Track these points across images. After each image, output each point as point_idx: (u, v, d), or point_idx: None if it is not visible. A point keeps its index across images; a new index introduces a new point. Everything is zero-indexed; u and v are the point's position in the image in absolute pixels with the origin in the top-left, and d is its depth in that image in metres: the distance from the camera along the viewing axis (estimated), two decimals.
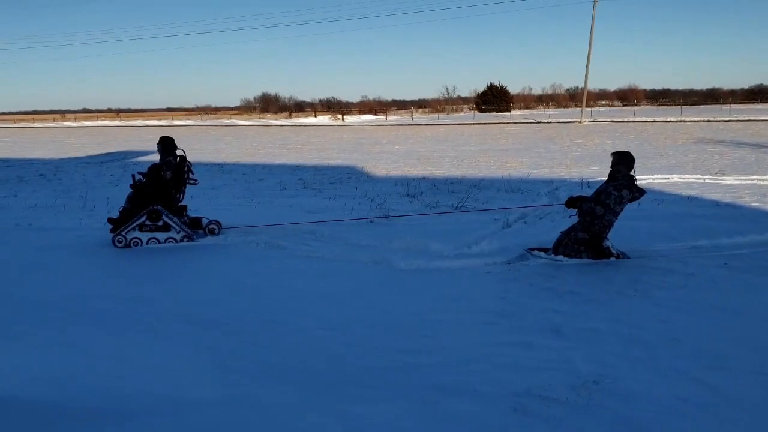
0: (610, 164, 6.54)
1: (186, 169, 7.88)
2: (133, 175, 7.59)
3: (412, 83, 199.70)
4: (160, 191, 7.50)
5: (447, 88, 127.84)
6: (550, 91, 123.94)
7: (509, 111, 76.51)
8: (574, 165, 15.07)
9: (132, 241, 7.23)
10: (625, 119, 44.63)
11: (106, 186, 13.54)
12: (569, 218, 6.64)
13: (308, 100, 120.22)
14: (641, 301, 4.98)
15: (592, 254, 6.29)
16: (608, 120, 44.30)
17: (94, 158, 21.56)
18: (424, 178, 13.46)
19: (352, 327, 4.53)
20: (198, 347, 4.16)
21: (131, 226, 7.23)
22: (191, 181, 8.00)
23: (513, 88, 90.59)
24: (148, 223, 7.26)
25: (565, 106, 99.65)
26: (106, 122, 74.26)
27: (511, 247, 6.79)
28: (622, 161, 6.40)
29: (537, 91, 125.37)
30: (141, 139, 35.04)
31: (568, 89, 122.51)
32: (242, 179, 14.41)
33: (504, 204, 9.55)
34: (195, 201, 10.76)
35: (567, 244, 6.39)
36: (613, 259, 6.27)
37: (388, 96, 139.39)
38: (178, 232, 7.37)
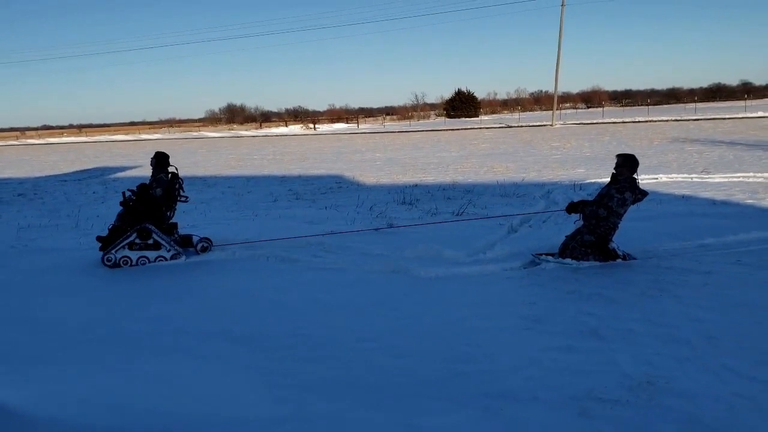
0: (613, 166, 6.63)
1: (177, 186, 7.75)
2: (123, 193, 7.43)
3: (379, 91, 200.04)
4: (150, 209, 7.34)
5: (416, 95, 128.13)
6: (515, 96, 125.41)
7: (478, 116, 77.12)
8: (560, 168, 15.27)
9: (121, 260, 7.05)
10: (595, 121, 45.37)
11: (92, 203, 13.29)
12: (574, 223, 6.72)
13: (275, 109, 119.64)
14: (668, 300, 5.07)
15: (599, 256, 6.39)
16: (578, 122, 44.95)
17: (69, 176, 21.14)
18: (416, 185, 13.50)
19: (391, 338, 4.53)
20: (242, 365, 4.12)
21: (121, 245, 7.04)
22: (182, 199, 7.87)
23: (478, 94, 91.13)
24: (137, 241, 7.08)
25: (531, 110, 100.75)
26: (71, 138, 72.85)
27: (523, 251, 6.86)
28: (626, 164, 6.50)
29: (502, 95, 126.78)
30: (112, 154, 34.52)
31: (532, 93, 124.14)
32: (230, 192, 14.29)
33: (505, 209, 9.64)
34: (188, 216, 10.67)
35: (574, 248, 6.48)
36: (619, 260, 6.37)
37: (356, 104, 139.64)
38: (168, 251, 7.21)
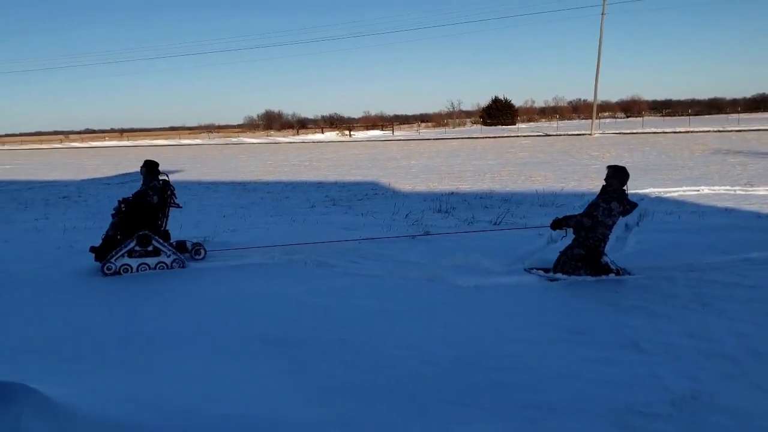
0: (604, 177, 6.57)
1: (169, 193, 7.79)
2: (119, 201, 7.54)
3: (414, 98, 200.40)
4: (146, 216, 7.42)
5: (452, 102, 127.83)
6: (552, 104, 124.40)
7: (515, 124, 76.68)
8: (599, 178, 15.03)
9: (122, 268, 7.07)
10: (635, 131, 44.72)
11: None
12: (561, 239, 6.64)
13: (311, 116, 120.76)
14: (711, 314, 4.98)
15: (591, 270, 6.27)
16: (617, 132, 44.39)
17: (113, 179, 21.67)
18: (452, 193, 13.49)
19: (428, 345, 4.54)
20: (280, 368, 4.17)
21: (120, 253, 7.06)
22: (174, 205, 7.92)
23: (516, 101, 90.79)
24: (137, 248, 7.11)
25: (568, 119, 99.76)
26: (113, 142, 74.59)
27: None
28: (617, 175, 6.47)
29: (539, 103, 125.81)
30: (154, 158, 35.16)
31: (570, 101, 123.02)
32: (268, 197, 14.47)
33: (544, 219, 9.55)
34: (228, 221, 10.86)
35: (565, 262, 6.41)
36: (612, 275, 6.26)
37: (390, 111, 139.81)
38: (169, 256, 7.23)
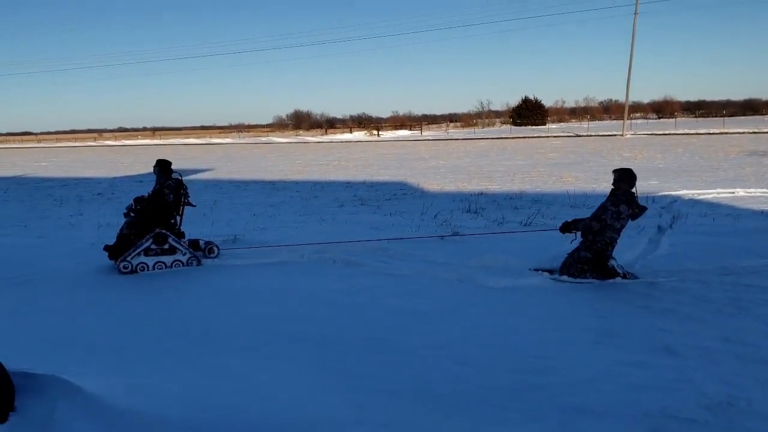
0: (611, 181, 6.53)
1: (183, 192, 7.85)
2: (134, 199, 7.62)
3: (443, 97, 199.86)
4: (162, 215, 7.47)
5: (481, 102, 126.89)
6: (583, 104, 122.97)
7: (545, 124, 75.95)
8: None
9: (138, 267, 7.14)
10: (667, 132, 44.01)
11: None
12: (570, 243, 6.59)
13: (339, 116, 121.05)
14: (747, 319, 4.90)
15: (597, 274, 6.23)
16: (649, 133, 43.71)
17: (145, 177, 21.97)
18: (481, 193, 13.43)
19: (459, 346, 4.53)
20: (316, 366, 4.20)
21: (136, 251, 7.13)
22: (188, 204, 7.98)
23: (546, 101, 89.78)
24: (153, 247, 7.17)
25: (599, 119, 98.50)
26: (145, 141, 75.70)
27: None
28: (624, 178, 6.41)
29: (570, 104, 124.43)
30: (185, 157, 35.68)
31: (601, 102, 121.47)
32: (297, 196, 14.56)
33: None
34: (258, 219, 10.95)
35: (571, 264, 6.38)
36: (619, 279, 6.19)
37: (419, 110, 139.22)
38: (185, 254, 7.30)
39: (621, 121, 46.93)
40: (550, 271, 6.55)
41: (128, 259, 7.13)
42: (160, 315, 5.46)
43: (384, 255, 7.65)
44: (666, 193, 12.17)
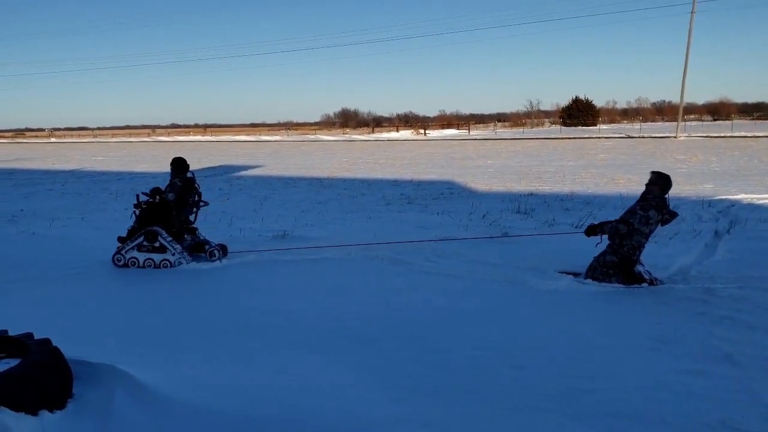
0: (646, 182, 6.34)
1: (194, 191, 7.82)
2: (137, 195, 7.63)
3: (491, 96, 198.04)
4: (160, 212, 7.47)
5: (531, 102, 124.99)
6: (635, 105, 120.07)
7: (596, 125, 74.46)
8: (686, 182, 14.49)
9: (130, 261, 7.22)
10: (722, 134, 42.63)
11: (218, 200, 14.03)
12: (596, 246, 6.40)
13: (386, 115, 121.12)
14: None
15: (623, 279, 6.07)
16: (704, 135, 42.42)
17: (197, 172, 22.38)
18: (531, 194, 13.25)
19: (508, 349, 4.46)
20: (360, 363, 4.20)
21: (130, 246, 7.24)
22: (202, 203, 7.98)
23: (597, 102, 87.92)
24: (145, 243, 7.22)
25: (652, 121, 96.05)
26: (197, 137, 77.23)
27: (650, 269, 6.54)
28: (659, 182, 6.22)
29: (622, 104, 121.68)
30: (235, 153, 36.27)
31: (654, 103, 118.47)
32: (345, 194, 14.63)
33: None
34: (306, 215, 11.04)
35: (596, 268, 6.24)
36: (645, 285, 6.02)
37: (466, 110, 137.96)
38: (173, 254, 7.26)
39: (674, 123, 45.64)
40: (575, 274, 6.44)
41: (122, 252, 7.28)
42: (209, 310, 5.54)
43: (431, 254, 7.61)
44: (723, 197, 11.79)
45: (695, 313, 5.16)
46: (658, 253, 7.35)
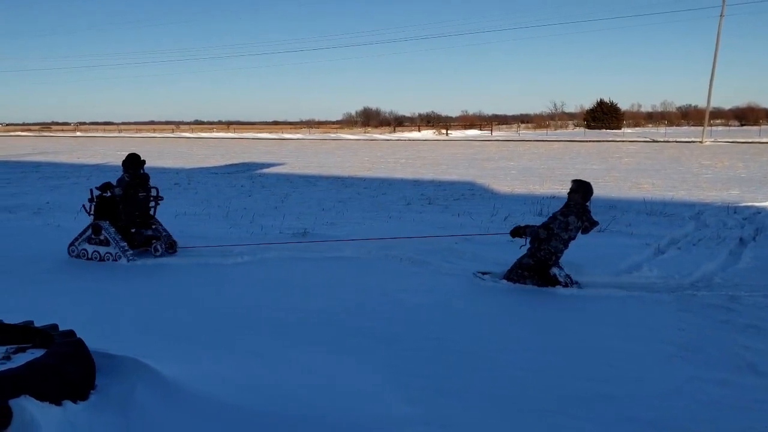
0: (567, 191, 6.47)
1: (146, 187, 7.95)
2: (91, 190, 7.73)
3: (515, 98, 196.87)
4: (108, 207, 7.61)
5: (555, 104, 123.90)
6: (660, 109, 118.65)
7: (620, 128, 73.72)
8: (711, 188, 14.30)
9: (81, 252, 7.44)
10: (750, 140, 41.96)
11: (240, 196, 14.16)
12: (520, 248, 6.46)
13: (408, 114, 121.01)
14: None
15: (537, 281, 6.16)
16: (731, 140, 41.80)
17: (220, 169, 22.64)
18: (553, 196, 13.16)
19: (529, 351, 4.44)
20: (380, 363, 4.20)
21: (81, 238, 7.46)
22: (158, 198, 8.16)
23: (621, 105, 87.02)
24: (93, 236, 7.41)
25: (677, 125, 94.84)
26: (220, 134, 77.84)
27: (673, 275, 6.47)
28: (579, 189, 6.37)
29: (647, 108, 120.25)
30: (258, 151, 36.49)
31: (680, 107, 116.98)
32: (365, 193, 14.66)
33: (651, 228, 9.18)
34: (327, 213, 11.07)
35: (512, 270, 6.32)
36: (560, 287, 6.08)
37: (489, 110, 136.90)
38: (115, 249, 7.36)
39: (700, 128, 45.09)
40: (488, 274, 6.54)
41: (76, 243, 7.51)
42: (231, 306, 5.59)
43: (451, 255, 7.59)
44: (749, 203, 11.60)
45: (719, 321, 5.09)
46: (681, 259, 7.28)
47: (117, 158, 29.36)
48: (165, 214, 10.85)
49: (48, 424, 2.83)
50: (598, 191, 13.79)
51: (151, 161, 26.45)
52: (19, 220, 10.63)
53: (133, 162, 7.90)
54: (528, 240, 6.43)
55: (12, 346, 3.52)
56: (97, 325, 4.92)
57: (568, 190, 6.47)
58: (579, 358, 4.32)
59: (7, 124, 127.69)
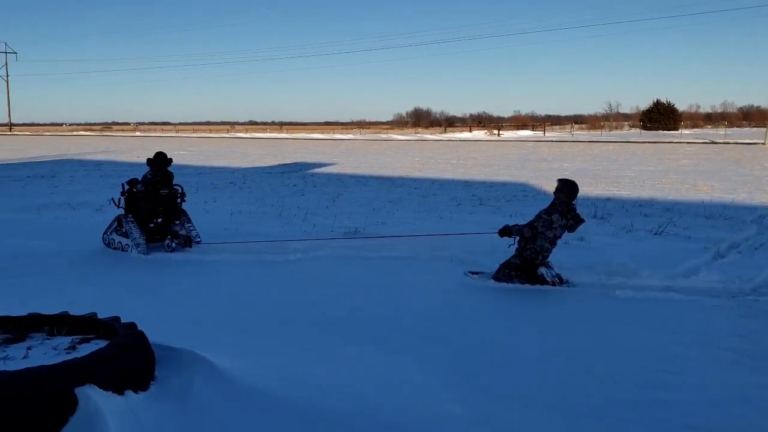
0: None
1: (167, 185, 8.15)
2: (123, 185, 8.09)
3: (568, 98, 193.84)
4: (132, 201, 7.97)
5: (610, 104, 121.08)
6: (720, 110, 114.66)
7: (677, 129, 71.61)
8: None
9: (110, 241, 8.00)
10: None
11: (293, 195, 14.36)
12: (509, 247, 6.44)
13: (459, 114, 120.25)
14: None
15: (525, 280, 6.14)
16: None
17: (273, 168, 22.98)
18: (608, 198, 12.90)
19: (584, 355, 4.37)
20: (430, 363, 4.19)
21: (111, 228, 7.99)
22: (183, 195, 8.35)
23: (679, 105, 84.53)
24: (117, 228, 7.87)
25: (738, 126, 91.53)
26: (274, 134, 78.97)
27: (734, 280, 6.26)
28: (564, 188, 6.38)
29: (705, 108, 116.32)
30: (310, 151, 36.88)
31: (741, 107, 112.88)
32: (416, 193, 14.65)
33: (710, 232, 8.90)
34: (377, 213, 11.12)
35: (499, 269, 6.30)
36: (548, 286, 6.04)
37: (542, 111, 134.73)
38: (131, 241, 7.71)
39: (763, 129, 43.36)
40: (478, 274, 6.56)
41: (107, 233, 8.02)
42: (284, 300, 5.69)
43: (504, 256, 7.50)
44: None
45: None
46: (742, 263, 7.05)
47: (174, 157, 30.03)
48: (221, 213, 11.16)
49: (111, 412, 2.94)
50: (654, 193, 13.59)
51: (209, 161, 27.11)
52: (81, 216, 11.02)
53: (159, 160, 8.28)
54: (516, 239, 6.45)
55: (77, 337, 3.66)
56: (154, 317, 5.06)
57: (554, 190, 6.48)
58: (635, 362, 4.22)
59: (70, 124, 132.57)
